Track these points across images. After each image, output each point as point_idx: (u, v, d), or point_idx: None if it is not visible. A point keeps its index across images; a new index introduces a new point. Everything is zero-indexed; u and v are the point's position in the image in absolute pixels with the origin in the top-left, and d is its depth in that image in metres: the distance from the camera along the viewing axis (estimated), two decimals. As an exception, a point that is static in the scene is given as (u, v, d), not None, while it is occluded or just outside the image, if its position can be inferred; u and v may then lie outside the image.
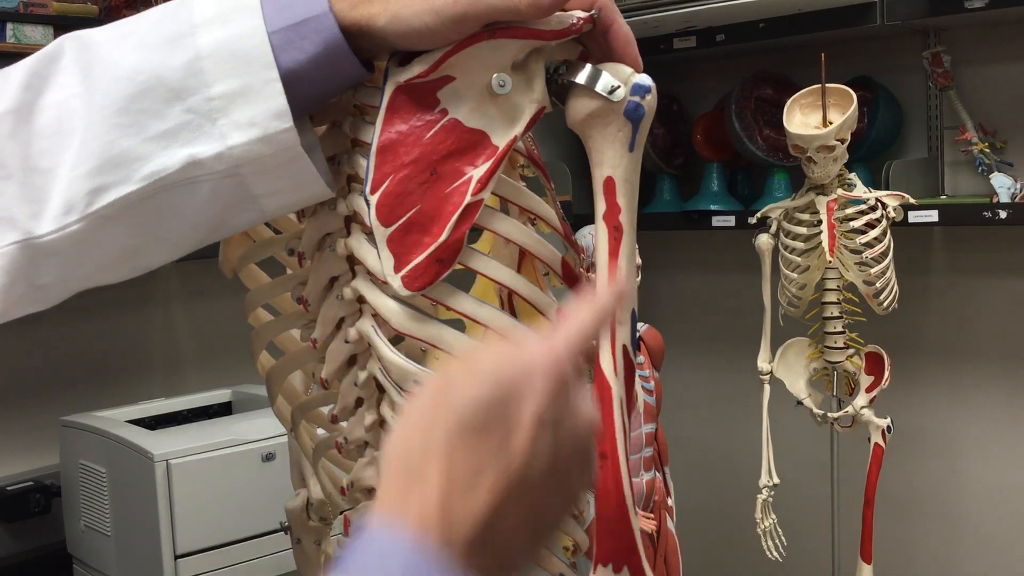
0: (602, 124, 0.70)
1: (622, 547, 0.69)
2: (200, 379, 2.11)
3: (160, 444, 1.57)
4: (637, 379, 1.92)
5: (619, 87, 0.69)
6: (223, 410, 1.91)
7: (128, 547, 1.63)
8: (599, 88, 0.69)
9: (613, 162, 0.70)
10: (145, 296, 2.07)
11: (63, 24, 1.64)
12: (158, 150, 0.67)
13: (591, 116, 0.70)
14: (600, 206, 0.71)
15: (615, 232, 0.71)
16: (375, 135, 0.71)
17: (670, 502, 2.00)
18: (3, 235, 0.68)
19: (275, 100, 0.67)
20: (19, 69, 0.71)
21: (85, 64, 0.69)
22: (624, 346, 0.70)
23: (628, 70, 0.70)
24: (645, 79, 0.70)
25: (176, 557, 1.55)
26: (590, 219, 0.80)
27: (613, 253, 0.71)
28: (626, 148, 0.70)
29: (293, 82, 0.68)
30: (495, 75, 0.69)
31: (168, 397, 1.91)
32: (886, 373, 1.98)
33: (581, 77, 0.70)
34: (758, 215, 2.07)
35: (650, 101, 0.70)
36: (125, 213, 0.68)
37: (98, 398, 1.94)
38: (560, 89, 0.72)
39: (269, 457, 1.65)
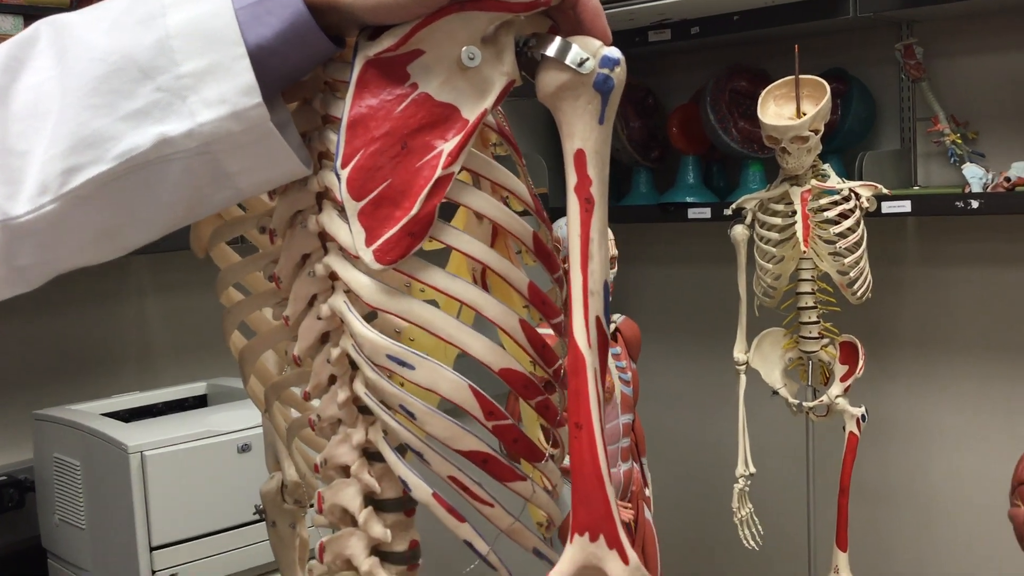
0: (572, 97, 0.70)
1: (598, 515, 0.69)
2: (175, 372, 2.10)
3: (135, 436, 1.57)
4: (615, 370, 1.92)
5: (588, 59, 0.69)
6: (198, 403, 1.91)
7: (103, 540, 1.62)
8: (568, 60, 0.69)
9: (583, 135, 0.70)
10: (118, 289, 2.06)
11: (33, 14, 1.62)
12: (129, 129, 0.67)
13: (561, 89, 0.70)
14: (571, 179, 0.71)
15: (587, 204, 0.71)
16: (345, 110, 0.71)
17: (647, 492, 2.01)
18: None
19: (243, 76, 0.67)
20: None
21: (60, 47, 0.70)
22: (597, 317, 0.71)
23: (597, 43, 0.70)
24: (614, 52, 0.70)
25: (151, 549, 1.55)
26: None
27: (585, 225, 0.71)
28: (596, 120, 0.70)
29: (261, 58, 0.68)
30: (464, 48, 0.69)
31: (143, 390, 1.90)
32: (860, 362, 2.00)
33: (551, 50, 0.70)
34: (733, 206, 2.08)
35: (619, 73, 0.70)
36: (100, 193, 0.68)
37: (72, 391, 1.93)
38: (530, 62, 0.72)
39: (245, 448, 1.64)
